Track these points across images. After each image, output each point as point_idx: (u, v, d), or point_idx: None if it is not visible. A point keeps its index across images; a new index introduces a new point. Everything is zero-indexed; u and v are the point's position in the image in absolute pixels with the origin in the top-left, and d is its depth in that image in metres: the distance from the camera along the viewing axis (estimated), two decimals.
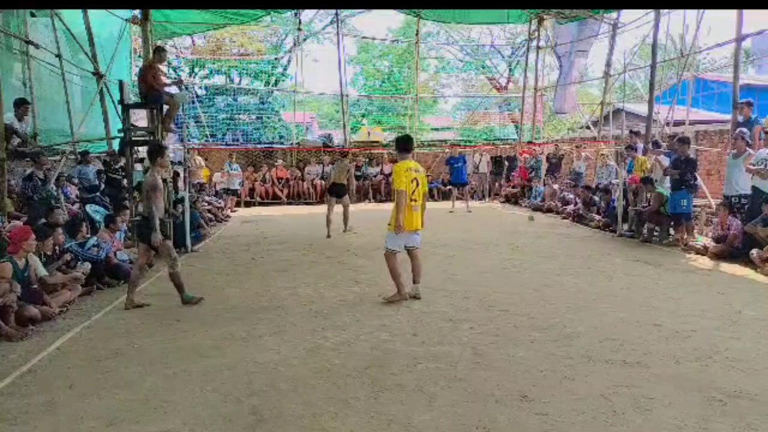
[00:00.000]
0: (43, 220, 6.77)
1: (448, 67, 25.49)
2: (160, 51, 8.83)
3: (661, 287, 6.16)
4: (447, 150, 17.15)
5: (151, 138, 8.58)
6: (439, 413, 3.26)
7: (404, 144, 5.83)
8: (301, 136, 18.96)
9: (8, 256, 5.26)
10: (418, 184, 5.53)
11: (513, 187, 16.37)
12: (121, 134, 8.88)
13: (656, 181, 9.43)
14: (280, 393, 3.57)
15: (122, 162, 10.19)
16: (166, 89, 8.64)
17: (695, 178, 8.51)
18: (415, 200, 5.52)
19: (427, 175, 15.86)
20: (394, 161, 16.07)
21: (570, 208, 12.33)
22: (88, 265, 6.22)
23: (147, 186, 5.49)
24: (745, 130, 8.30)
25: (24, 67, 9.45)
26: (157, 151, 5.64)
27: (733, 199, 8.08)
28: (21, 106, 8.20)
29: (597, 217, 10.91)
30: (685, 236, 8.47)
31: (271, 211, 14.81)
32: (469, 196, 14.71)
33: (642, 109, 13.81)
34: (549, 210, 13.29)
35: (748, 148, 7.99)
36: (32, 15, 9.52)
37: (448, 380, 3.71)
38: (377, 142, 18.80)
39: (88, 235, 6.97)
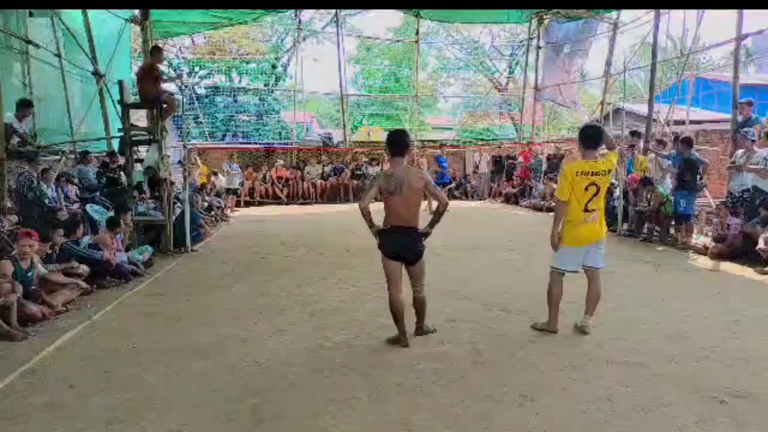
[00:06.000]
0: (47, 222, 6.76)
1: (448, 67, 25.51)
2: (157, 51, 8.82)
3: (661, 287, 6.15)
4: (438, 151, 17.06)
5: (152, 137, 8.58)
6: (439, 413, 3.26)
7: (585, 136, 4.44)
8: (301, 136, 18.96)
9: (10, 255, 5.26)
10: (598, 191, 4.33)
11: (513, 186, 16.36)
12: (121, 134, 8.88)
13: (656, 180, 9.44)
14: (280, 393, 3.56)
15: (120, 161, 10.20)
16: (164, 86, 8.66)
17: (695, 179, 8.50)
18: (591, 210, 4.37)
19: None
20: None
21: None
22: (85, 267, 6.20)
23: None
24: (750, 129, 8.33)
25: (24, 67, 9.44)
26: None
27: (736, 193, 8.14)
28: (25, 107, 8.18)
29: None
30: (683, 236, 8.49)
31: (271, 211, 14.80)
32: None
33: (642, 108, 13.81)
34: (549, 210, 13.28)
35: (755, 147, 8.03)
36: (30, 15, 9.52)
37: (448, 380, 3.71)
38: (377, 142, 18.80)
39: (86, 235, 6.95)
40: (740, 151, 8.28)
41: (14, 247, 5.54)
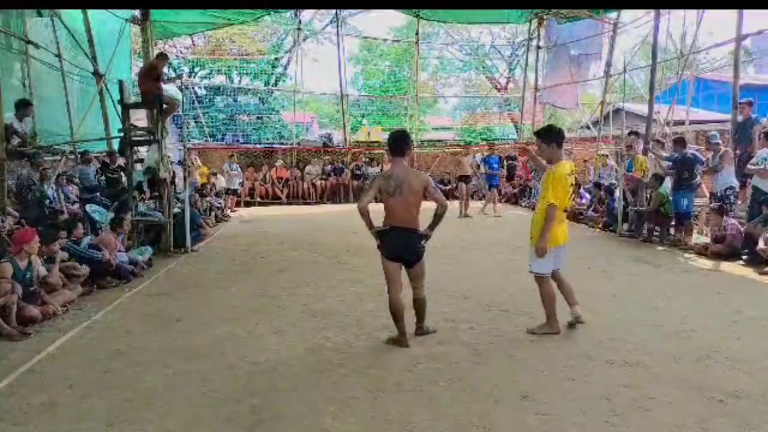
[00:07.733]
0: (48, 222, 6.75)
1: (449, 67, 25.51)
2: (161, 57, 8.87)
3: (661, 287, 6.15)
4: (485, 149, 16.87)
5: (152, 137, 8.58)
6: (439, 413, 3.26)
7: (560, 136, 4.47)
8: (301, 136, 18.96)
9: (9, 257, 5.26)
10: (573, 192, 4.52)
11: (513, 187, 16.36)
12: (121, 134, 8.88)
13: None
14: (280, 393, 3.57)
15: (120, 162, 10.19)
16: (164, 86, 8.68)
17: (693, 177, 8.57)
18: (566, 211, 4.57)
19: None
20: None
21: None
22: (86, 267, 6.20)
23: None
24: (714, 133, 9.11)
25: (24, 67, 9.44)
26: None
27: (719, 193, 8.40)
28: (25, 107, 8.18)
29: (596, 216, 10.91)
30: (683, 236, 8.49)
31: (271, 211, 14.81)
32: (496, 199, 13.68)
33: (642, 109, 13.80)
34: None
35: (721, 147, 8.62)
36: (39, 15, 9.53)
37: (448, 380, 3.71)
38: (377, 142, 18.81)
39: (86, 235, 6.94)
40: (710, 155, 8.71)
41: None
